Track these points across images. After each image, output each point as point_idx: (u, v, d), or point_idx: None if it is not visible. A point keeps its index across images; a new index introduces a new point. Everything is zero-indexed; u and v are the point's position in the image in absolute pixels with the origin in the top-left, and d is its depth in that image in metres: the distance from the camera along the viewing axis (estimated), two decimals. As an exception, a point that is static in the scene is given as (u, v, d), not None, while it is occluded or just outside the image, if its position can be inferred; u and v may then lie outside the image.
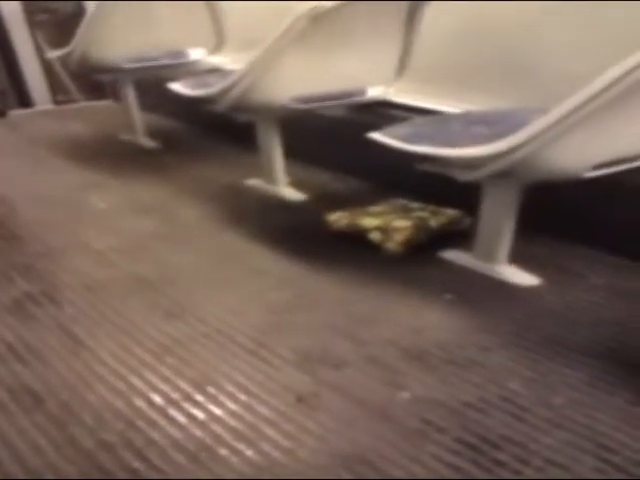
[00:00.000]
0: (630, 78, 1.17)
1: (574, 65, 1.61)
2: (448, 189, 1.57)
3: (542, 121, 1.26)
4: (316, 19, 1.73)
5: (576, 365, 1.19)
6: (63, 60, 2.65)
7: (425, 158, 1.47)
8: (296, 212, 1.98)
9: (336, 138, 2.19)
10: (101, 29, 2.41)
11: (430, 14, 1.86)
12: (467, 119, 1.63)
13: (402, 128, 1.59)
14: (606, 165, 1.35)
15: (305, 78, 1.87)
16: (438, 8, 1.84)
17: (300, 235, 1.80)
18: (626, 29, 1.55)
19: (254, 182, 2.18)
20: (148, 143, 2.72)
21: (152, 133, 2.75)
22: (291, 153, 2.12)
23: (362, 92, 2.03)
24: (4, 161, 2.57)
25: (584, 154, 1.33)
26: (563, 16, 1.67)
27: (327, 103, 1.98)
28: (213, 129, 2.69)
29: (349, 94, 2.02)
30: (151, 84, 2.57)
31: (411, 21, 1.91)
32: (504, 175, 1.40)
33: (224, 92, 1.91)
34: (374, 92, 2.05)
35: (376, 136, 1.55)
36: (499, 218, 1.50)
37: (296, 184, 2.12)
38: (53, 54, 2.77)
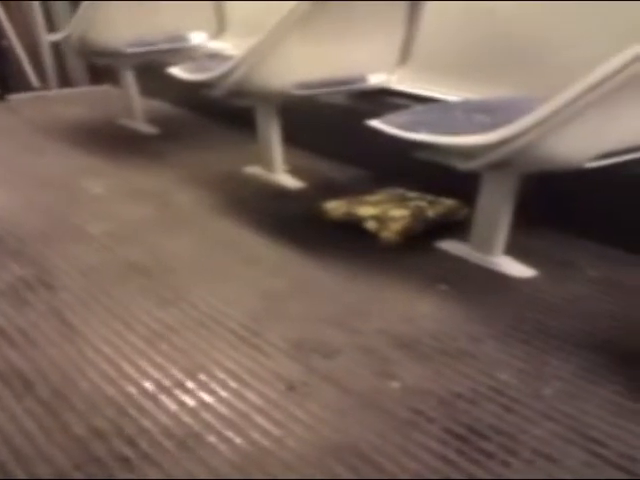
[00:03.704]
0: (631, 69, 1.15)
1: (578, 54, 1.59)
2: (447, 179, 1.56)
3: (542, 110, 1.25)
4: (318, 4, 1.71)
5: (568, 357, 1.18)
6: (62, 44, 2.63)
7: (424, 146, 1.46)
8: (293, 200, 1.97)
9: (336, 126, 2.18)
10: (100, 12, 2.38)
11: (434, 1, 1.84)
12: (468, 107, 1.61)
13: (402, 116, 1.58)
14: (607, 155, 1.33)
15: (306, 64, 1.85)
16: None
17: (297, 223, 1.79)
18: (631, 18, 1.53)
19: (252, 169, 2.17)
20: (147, 129, 2.70)
21: (151, 119, 2.73)
22: (290, 141, 2.10)
23: (363, 79, 2.01)
24: (1, 145, 2.56)
25: (585, 144, 1.31)
26: (566, 5, 1.65)
27: (327, 90, 1.96)
28: (213, 116, 2.67)
29: (350, 81, 1.99)
30: (151, 69, 2.55)
31: (414, 9, 1.88)
32: (503, 164, 1.38)
33: (224, 77, 1.90)
34: (375, 79, 2.02)
35: (376, 124, 1.53)
36: (497, 209, 1.49)
37: (294, 172, 2.11)
38: (53, 37, 2.75)
